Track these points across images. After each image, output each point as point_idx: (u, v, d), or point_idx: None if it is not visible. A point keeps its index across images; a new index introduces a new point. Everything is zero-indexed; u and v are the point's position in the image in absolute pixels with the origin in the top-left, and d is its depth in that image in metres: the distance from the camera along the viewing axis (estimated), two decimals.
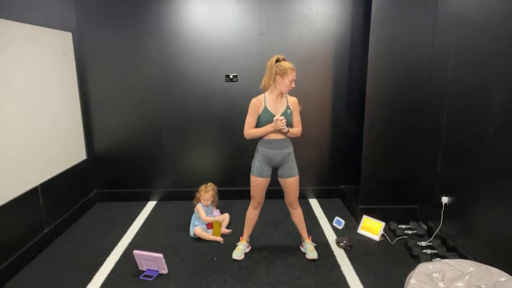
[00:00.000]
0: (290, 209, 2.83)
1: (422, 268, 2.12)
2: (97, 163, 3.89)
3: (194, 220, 3.17)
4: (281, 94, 2.61)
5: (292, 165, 2.68)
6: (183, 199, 3.87)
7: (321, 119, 3.85)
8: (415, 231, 3.14)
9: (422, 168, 3.25)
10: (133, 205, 3.87)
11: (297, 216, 2.84)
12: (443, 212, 2.87)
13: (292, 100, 2.67)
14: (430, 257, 2.70)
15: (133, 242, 3.09)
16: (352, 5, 3.60)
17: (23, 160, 2.75)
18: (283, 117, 2.52)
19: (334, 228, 3.31)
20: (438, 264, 2.14)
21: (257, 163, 2.68)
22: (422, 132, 3.20)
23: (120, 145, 3.87)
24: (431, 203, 3.10)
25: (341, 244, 2.94)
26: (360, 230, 3.21)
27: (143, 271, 2.60)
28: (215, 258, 2.80)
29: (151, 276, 2.55)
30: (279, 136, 2.61)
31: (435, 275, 2.07)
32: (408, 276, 2.15)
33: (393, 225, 3.23)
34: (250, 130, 2.64)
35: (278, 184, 2.77)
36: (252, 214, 2.84)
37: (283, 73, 2.52)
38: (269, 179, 2.71)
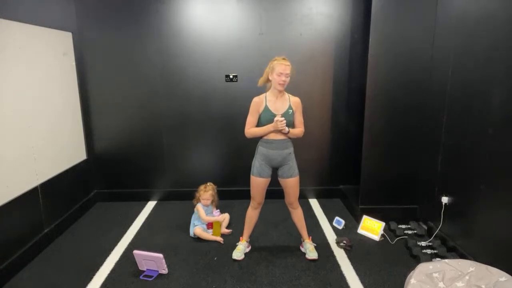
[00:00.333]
0: (290, 209, 2.83)
1: (422, 268, 2.12)
2: (97, 163, 3.89)
3: (194, 220, 3.17)
4: (282, 93, 2.61)
5: (292, 165, 2.68)
6: (183, 199, 3.87)
7: (321, 119, 3.85)
8: (415, 231, 3.14)
9: (422, 168, 3.24)
10: (133, 205, 3.87)
11: (297, 216, 2.84)
12: (443, 212, 2.87)
13: (295, 100, 2.66)
14: (430, 257, 2.70)
15: (133, 242, 3.09)
16: (352, 5, 3.60)
17: (23, 160, 2.75)
18: (283, 118, 2.51)
19: (334, 228, 3.31)
20: (438, 264, 2.14)
21: (257, 163, 2.68)
22: (422, 132, 3.20)
23: (120, 145, 3.87)
24: (431, 203, 3.10)
25: (341, 244, 2.94)
26: (360, 230, 3.21)
27: (143, 271, 2.60)
28: (215, 258, 2.80)
29: (151, 276, 2.55)
30: (280, 136, 2.61)
31: (435, 275, 2.07)
32: (408, 276, 2.15)
33: (393, 225, 3.23)
34: (250, 129, 2.64)
35: (278, 184, 2.77)
36: (252, 214, 2.84)
37: (272, 68, 2.54)
38: (269, 179, 2.71)
